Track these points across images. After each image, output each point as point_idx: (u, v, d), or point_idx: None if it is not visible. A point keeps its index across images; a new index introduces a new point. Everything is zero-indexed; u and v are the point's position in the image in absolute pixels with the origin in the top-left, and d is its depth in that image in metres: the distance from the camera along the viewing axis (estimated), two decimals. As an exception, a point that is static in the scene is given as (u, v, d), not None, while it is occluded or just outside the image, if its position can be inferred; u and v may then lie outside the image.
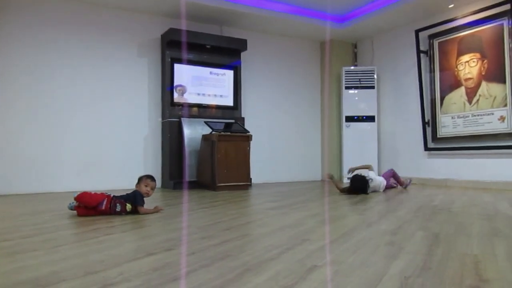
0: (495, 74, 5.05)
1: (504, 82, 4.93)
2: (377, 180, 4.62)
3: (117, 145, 5.44)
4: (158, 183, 5.68)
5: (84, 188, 5.05)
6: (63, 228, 2.42)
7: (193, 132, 5.43)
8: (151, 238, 2.16)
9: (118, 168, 5.40)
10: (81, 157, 5.20)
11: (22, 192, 4.80)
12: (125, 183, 5.27)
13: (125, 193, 3.04)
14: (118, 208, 2.91)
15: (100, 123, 5.35)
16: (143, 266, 1.56)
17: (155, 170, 5.67)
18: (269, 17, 5.96)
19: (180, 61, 5.61)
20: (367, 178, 4.40)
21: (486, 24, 5.13)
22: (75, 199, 2.88)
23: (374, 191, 4.56)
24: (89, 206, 2.85)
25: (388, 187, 4.85)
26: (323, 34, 6.69)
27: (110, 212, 2.89)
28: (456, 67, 5.52)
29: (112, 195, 2.97)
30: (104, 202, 2.88)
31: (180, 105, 5.60)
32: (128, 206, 2.95)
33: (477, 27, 5.25)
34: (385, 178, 4.80)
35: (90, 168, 5.23)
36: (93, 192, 2.96)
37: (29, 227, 2.47)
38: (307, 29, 6.52)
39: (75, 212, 2.89)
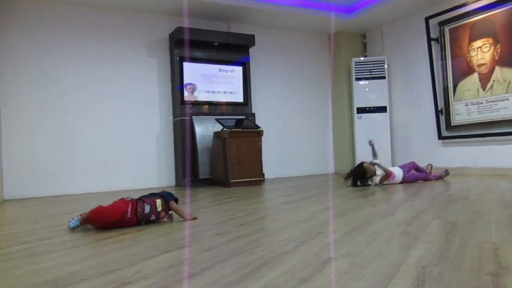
0: (509, 58, 4.94)
1: (518, 66, 4.84)
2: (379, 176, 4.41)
3: (129, 145, 5.48)
4: (172, 181, 5.73)
5: (99, 189, 5.19)
6: (80, 230, 2.45)
7: (204, 129, 5.45)
8: (166, 236, 2.18)
9: (132, 169, 5.45)
10: (94, 159, 5.25)
11: (38, 195, 4.89)
12: (139, 183, 5.35)
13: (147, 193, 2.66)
14: (147, 210, 2.43)
15: (112, 124, 5.40)
16: (159, 263, 1.58)
17: (169, 169, 5.72)
18: (276, 12, 5.93)
19: (188, 59, 5.61)
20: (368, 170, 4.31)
21: (499, 8, 5.02)
22: (90, 220, 2.37)
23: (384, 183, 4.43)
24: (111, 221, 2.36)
25: (412, 179, 4.50)
26: (331, 26, 6.63)
27: (139, 221, 2.43)
28: (468, 53, 5.42)
29: (134, 198, 2.48)
30: (129, 211, 2.39)
31: (191, 103, 5.62)
32: (159, 202, 2.49)
33: (489, 11, 5.14)
34: (405, 170, 4.51)
35: (103, 169, 5.29)
36: (107, 205, 2.41)
37: (47, 229, 2.51)
38: (315, 22, 6.47)
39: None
